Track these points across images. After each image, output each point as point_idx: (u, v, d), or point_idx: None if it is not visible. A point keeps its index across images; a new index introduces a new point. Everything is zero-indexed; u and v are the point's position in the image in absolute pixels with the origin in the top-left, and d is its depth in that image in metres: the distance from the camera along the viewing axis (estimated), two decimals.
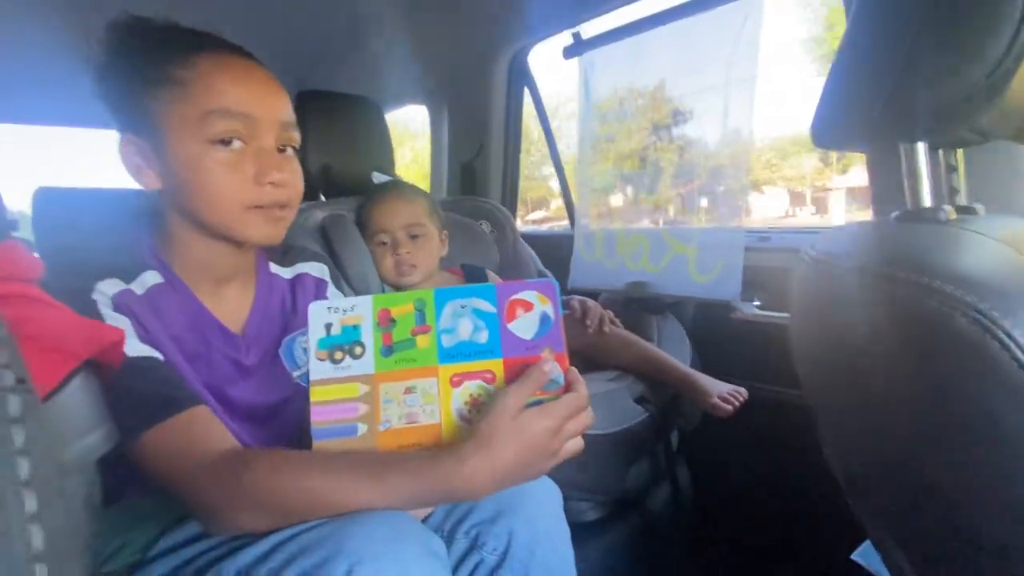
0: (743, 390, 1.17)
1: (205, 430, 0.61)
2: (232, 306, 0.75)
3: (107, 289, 0.64)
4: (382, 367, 0.58)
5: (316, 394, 0.58)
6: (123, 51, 0.67)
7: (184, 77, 0.65)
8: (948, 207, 0.51)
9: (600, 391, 1.19)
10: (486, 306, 0.60)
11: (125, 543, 0.63)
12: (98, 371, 0.47)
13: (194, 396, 0.63)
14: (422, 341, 0.59)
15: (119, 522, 0.64)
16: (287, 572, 0.50)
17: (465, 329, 0.59)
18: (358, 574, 0.48)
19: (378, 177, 1.46)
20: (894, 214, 0.55)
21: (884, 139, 0.55)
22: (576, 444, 0.59)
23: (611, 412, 1.15)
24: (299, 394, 0.77)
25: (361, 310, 0.60)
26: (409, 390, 0.58)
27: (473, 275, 1.38)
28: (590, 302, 1.38)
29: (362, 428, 0.57)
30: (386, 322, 0.59)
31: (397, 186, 1.34)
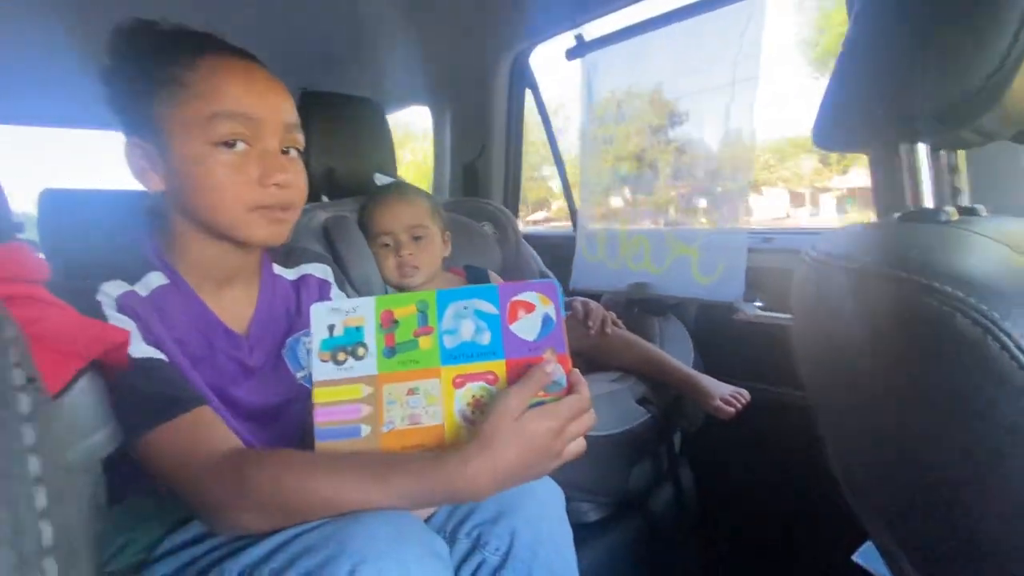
0: (745, 392, 1.17)
1: (209, 430, 0.61)
2: (236, 307, 0.76)
3: (112, 291, 0.64)
4: (385, 368, 0.59)
5: (319, 395, 0.58)
6: (128, 54, 0.68)
7: (188, 79, 0.65)
8: (950, 208, 0.51)
9: (602, 392, 1.19)
10: (488, 307, 0.60)
11: (129, 542, 0.64)
12: (103, 371, 0.48)
13: (198, 397, 0.64)
14: (425, 342, 0.59)
15: (123, 521, 0.64)
16: (290, 572, 0.50)
17: (467, 330, 0.60)
18: (361, 574, 0.48)
19: (380, 179, 1.46)
20: (896, 215, 0.55)
21: (885, 140, 0.55)
22: (579, 445, 0.59)
23: (613, 413, 1.15)
24: (302, 395, 0.78)
25: (364, 311, 0.60)
26: (412, 391, 0.58)
27: (475, 276, 1.38)
28: (592, 303, 1.38)
29: (365, 429, 0.57)
30: (389, 323, 0.60)
31: (399, 187, 1.34)
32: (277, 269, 0.84)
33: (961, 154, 0.60)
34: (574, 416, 0.57)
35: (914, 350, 0.43)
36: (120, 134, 0.69)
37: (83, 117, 1.95)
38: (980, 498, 0.43)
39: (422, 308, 0.60)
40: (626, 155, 1.61)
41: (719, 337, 1.39)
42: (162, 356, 0.64)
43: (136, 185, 0.70)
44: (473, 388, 0.59)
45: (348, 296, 0.91)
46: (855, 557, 0.86)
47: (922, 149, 0.53)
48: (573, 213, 1.84)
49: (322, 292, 0.87)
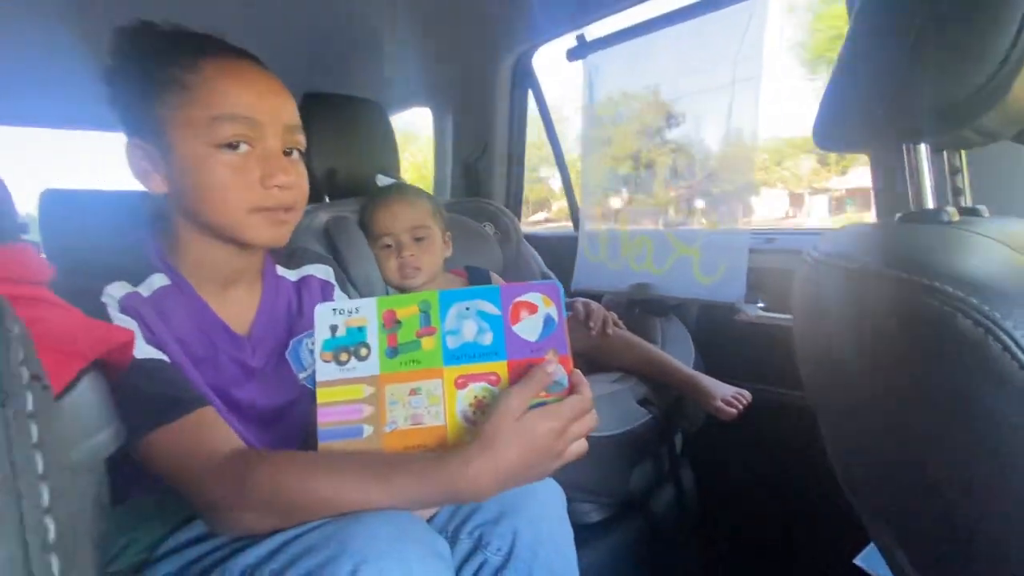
0: (747, 393, 1.17)
1: (211, 431, 0.61)
2: (238, 308, 0.76)
3: (115, 292, 0.65)
4: (387, 368, 0.59)
5: (322, 395, 0.58)
6: (130, 56, 0.68)
7: (190, 81, 0.65)
8: (951, 208, 0.51)
9: (603, 393, 1.19)
10: (490, 308, 0.60)
11: (131, 542, 0.64)
12: (106, 372, 0.48)
13: (200, 398, 0.64)
14: (427, 343, 0.59)
15: (125, 521, 0.64)
16: (291, 571, 0.50)
17: (470, 331, 0.60)
18: (362, 574, 0.49)
19: (382, 180, 1.46)
20: (897, 215, 0.55)
21: (887, 140, 0.55)
22: (580, 446, 0.59)
23: (614, 414, 1.15)
24: (305, 396, 0.78)
25: (366, 312, 0.60)
26: (414, 391, 0.58)
27: (477, 277, 1.38)
28: (593, 304, 1.38)
29: (368, 429, 0.57)
30: (391, 324, 0.60)
31: (400, 188, 1.35)
32: (280, 270, 0.84)
33: (963, 154, 0.60)
34: (576, 417, 0.57)
35: (915, 350, 0.43)
36: (122, 135, 0.69)
37: (85, 118, 1.95)
38: (981, 498, 0.43)
39: (424, 309, 0.60)
40: (627, 155, 1.61)
41: (720, 338, 1.39)
42: (164, 357, 0.64)
43: (137, 186, 0.70)
44: (475, 388, 0.59)
45: (350, 297, 0.92)
46: (857, 561, 0.86)
47: (923, 149, 0.53)
48: (575, 213, 1.84)
49: (324, 293, 0.87)
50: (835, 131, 0.59)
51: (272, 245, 0.72)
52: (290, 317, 0.81)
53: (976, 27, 0.46)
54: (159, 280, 0.69)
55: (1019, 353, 0.36)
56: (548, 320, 0.60)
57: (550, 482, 0.73)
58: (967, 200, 0.60)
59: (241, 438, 0.63)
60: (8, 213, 0.40)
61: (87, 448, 0.41)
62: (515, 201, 1.98)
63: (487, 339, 0.60)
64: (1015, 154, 0.83)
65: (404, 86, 2.01)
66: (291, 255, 0.87)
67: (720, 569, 1.34)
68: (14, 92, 1.66)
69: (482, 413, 0.58)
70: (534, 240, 1.70)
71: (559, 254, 1.69)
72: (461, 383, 0.59)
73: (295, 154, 0.72)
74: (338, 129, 1.47)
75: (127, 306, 0.65)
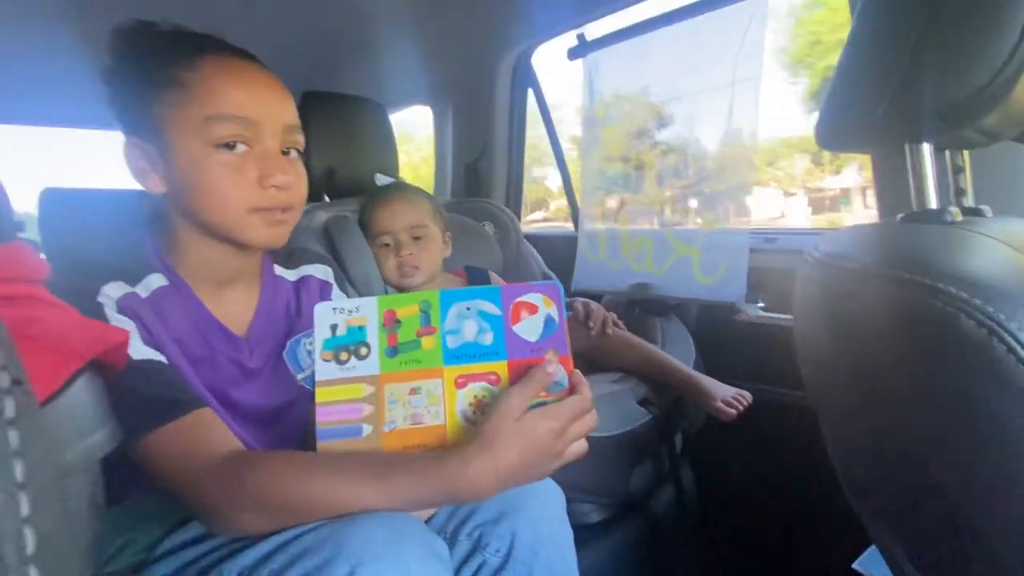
0: (747, 393, 1.16)
1: (208, 432, 0.61)
2: (236, 309, 0.75)
3: (112, 292, 0.64)
4: (387, 368, 0.58)
5: (321, 395, 0.58)
6: (128, 55, 0.68)
7: (188, 80, 0.65)
8: (954, 208, 0.51)
9: (603, 393, 1.19)
10: (491, 308, 0.60)
11: (128, 543, 0.64)
12: (102, 372, 0.48)
13: (198, 399, 0.63)
14: (427, 342, 0.59)
15: (122, 522, 0.64)
16: (289, 573, 0.50)
17: (470, 331, 0.59)
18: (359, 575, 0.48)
19: (381, 179, 1.46)
20: (899, 215, 0.55)
21: (889, 140, 0.55)
22: (580, 446, 0.59)
23: (614, 414, 1.15)
24: (303, 397, 0.77)
25: (366, 311, 0.60)
26: (414, 391, 0.58)
27: (476, 277, 1.38)
28: (593, 304, 1.38)
29: (367, 429, 0.57)
30: (391, 323, 0.59)
31: (400, 187, 1.34)
32: (278, 270, 0.83)
33: (965, 154, 0.60)
34: (576, 417, 0.57)
35: (918, 351, 0.43)
36: (121, 134, 0.69)
37: (84, 117, 1.95)
38: (983, 499, 0.43)
39: (425, 308, 0.60)
40: (627, 155, 1.61)
41: (721, 338, 1.38)
42: (162, 358, 0.64)
43: (136, 185, 0.70)
44: (475, 388, 0.58)
45: (348, 297, 0.91)
46: (856, 565, 0.85)
47: (926, 149, 0.53)
48: (574, 213, 1.83)
49: (323, 293, 0.87)
50: (837, 131, 0.59)
51: (270, 245, 0.71)
52: (288, 317, 0.81)
53: (978, 27, 0.46)
54: (157, 280, 0.69)
55: (1023, 354, 0.36)
56: (548, 320, 0.60)
57: (550, 482, 0.73)
58: (970, 200, 0.60)
59: (239, 439, 0.63)
60: (4, 211, 0.40)
61: (82, 449, 0.41)
62: (515, 200, 1.98)
63: (487, 339, 0.59)
64: (1018, 154, 0.83)
65: (404, 85, 2.01)
66: (290, 255, 0.87)
67: (720, 569, 1.34)
68: (13, 91, 1.66)
69: (482, 413, 0.57)
70: (534, 240, 1.70)
71: (559, 254, 1.69)
72: (461, 383, 0.58)
73: (293, 154, 0.72)
74: (337, 128, 1.46)
75: (124, 306, 0.64)
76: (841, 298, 0.51)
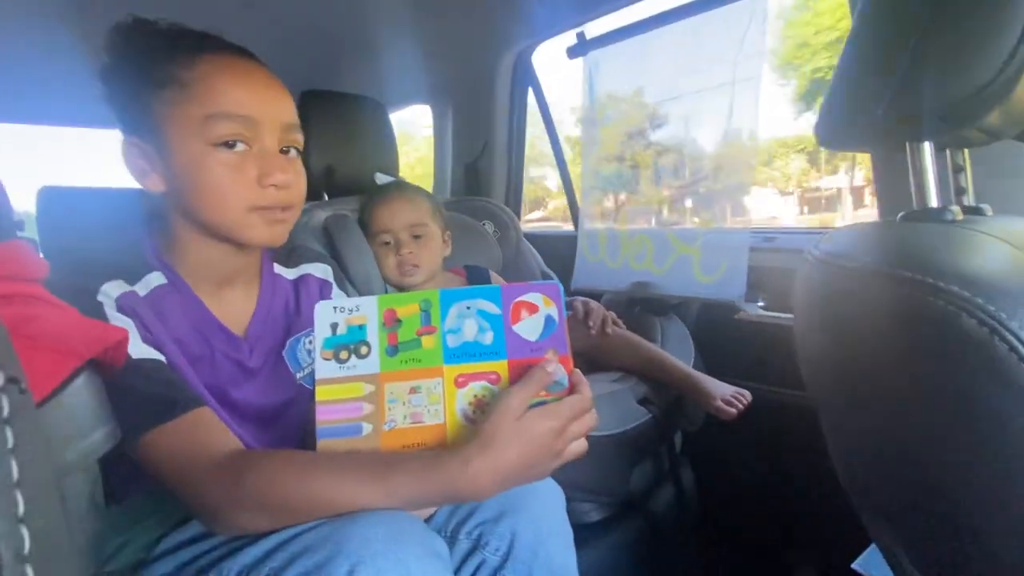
0: (747, 393, 1.16)
1: (207, 431, 0.61)
2: (235, 308, 0.75)
3: (111, 291, 0.64)
4: (387, 367, 0.58)
5: (321, 393, 0.58)
6: (126, 53, 0.67)
7: (186, 79, 0.65)
8: (955, 207, 0.51)
9: (603, 392, 1.18)
10: (491, 307, 0.60)
11: (128, 542, 0.64)
12: (101, 371, 0.47)
13: (197, 398, 0.63)
14: (427, 341, 0.59)
15: (122, 521, 0.64)
16: (288, 572, 0.50)
17: (470, 330, 0.59)
18: (359, 574, 0.48)
19: (381, 178, 1.46)
20: (900, 214, 0.55)
21: (890, 139, 0.55)
22: (580, 446, 0.59)
23: (614, 413, 1.15)
24: (302, 396, 0.77)
25: (367, 310, 0.60)
26: (414, 390, 0.58)
27: (476, 276, 1.38)
28: (592, 303, 1.38)
29: (367, 427, 0.57)
30: (392, 322, 0.59)
31: (400, 186, 1.34)
32: (278, 269, 0.83)
33: (966, 153, 0.60)
34: (575, 416, 0.57)
35: (918, 350, 0.43)
36: (119, 133, 0.69)
37: (82, 116, 1.95)
38: (983, 498, 0.43)
39: (425, 307, 0.60)
40: (626, 154, 1.61)
41: (721, 337, 1.38)
42: (161, 357, 0.63)
43: (135, 184, 0.69)
44: (475, 387, 0.58)
45: (348, 295, 0.91)
46: (855, 566, 0.85)
47: (927, 148, 0.53)
48: (574, 212, 1.83)
49: (322, 292, 0.87)
50: (838, 130, 0.59)
51: (269, 244, 0.71)
52: (287, 316, 0.81)
53: (979, 26, 0.46)
54: (156, 279, 0.69)
55: None
56: (548, 320, 0.60)
57: (549, 482, 0.73)
58: (970, 199, 0.60)
59: (238, 438, 0.63)
60: (3, 210, 0.40)
61: (81, 448, 0.41)
62: (515, 200, 1.98)
63: (487, 338, 0.59)
64: (1019, 153, 0.83)
65: (404, 83, 2.01)
66: (289, 253, 0.87)
67: (719, 568, 1.34)
68: (13, 90, 1.66)
69: (482, 412, 0.57)
70: (533, 239, 1.70)
71: (559, 253, 1.69)
72: (461, 382, 0.58)
73: (293, 152, 0.71)
74: (337, 127, 1.46)
75: (124, 305, 0.64)
76: (841, 297, 0.51)
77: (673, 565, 1.27)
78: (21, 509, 0.23)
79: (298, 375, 0.78)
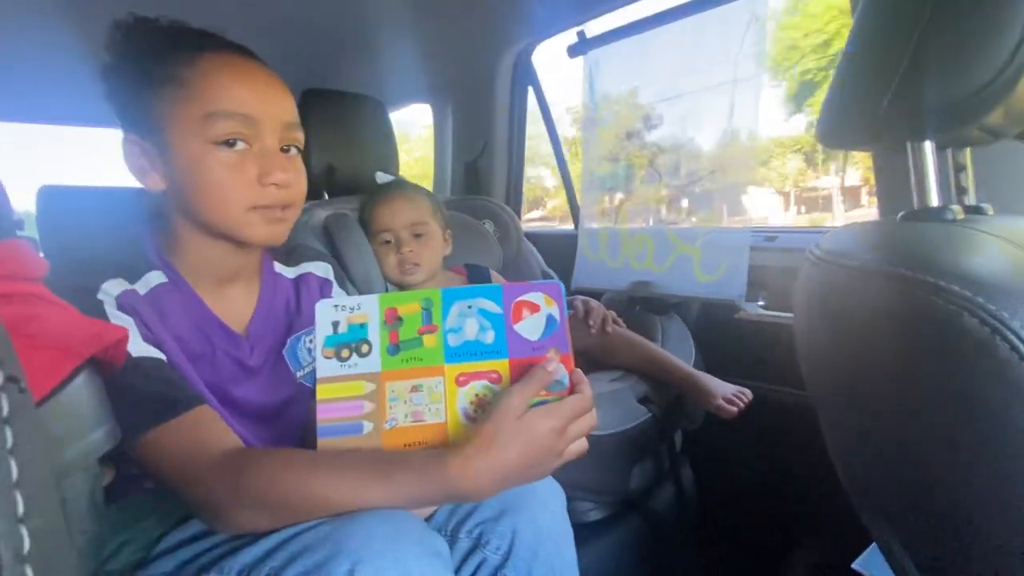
0: (748, 391, 1.16)
1: (208, 430, 0.61)
2: (236, 306, 0.75)
3: (112, 289, 0.64)
4: (388, 365, 0.58)
5: (322, 391, 0.58)
6: (127, 52, 0.67)
7: (187, 77, 0.64)
8: (956, 206, 0.51)
9: (603, 391, 1.19)
10: (492, 307, 0.60)
11: (128, 541, 0.63)
12: (101, 370, 0.47)
13: (197, 396, 0.63)
14: (428, 340, 0.59)
15: (122, 520, 0.64)
16: (289, 570, 0.50)
17: (471, 329, 0.59)
18: (359, 573, 0.48)
19: (381, 177, 1.46)
20: (900, 213, 0.55)
21: (891, 138, 0.55)
22: (581, 445, 0.59)
23: (614, 412, 1.15)
24: (303, 394, 0.77)
25: (368, 308, 0.60)
26: (415, 389, 0.58)
27: (476, 275, 1.38)
28: (593, 302, 1.38)
29: (367, 426, 0.57)
30: (393, 321, 0.59)
31: (400, 185, 1.34)
32: (278, 267, 0.83)
33: (968, 152, 0.60)
34: (576, 415, 0.57)
35: (919, 350, 0.43)
36: (120, 131, 0.69)
37: (83, 114, 1.95)
38: (984, 499, 0.43)
39: (426, 306, 0.60)
40: (626, 153, 1.61)
41: (721, 336, 1.38)
42: (161, 356, 0.63)
43: (135, 182, 0.69)
44: (476, 386, 0.58)
45: (349, 294, 0.91)
46: (856, 565, 0.85)
47: (928, 147, 0.53)
48: (575, 211, 1.83)
49: (323, 291, 0.87)
50: (839, 129, 0.59)
51: (270, 243, 0.71)
52: (288, 315, 0.81)
53: (980, 25, 0.46)
54: (156, 277, 0.69)
55: None
56: (550, 319, 0.60)
57: (550, 481, 0.73)
58: (971, 198, 0.60)
59: (239, 436, 0.63)
60: (3, 209, 0.40)
61: (81, 447, 0.41)
62: (515, 199, 1.98)
63: (489, 337, 0.59)
64: (1020, 152, 0.83)
65: (404, 82, 2.01)
66: (290, 252, 0.87)
67: (719, 567, 1.34)
68: (13, 89, 1.66)
69: (483, 411, 0.57)
70: (534, 238, 1.70)
71: (559, 252, 1.69)
72: (462, 381, 0.58)
73: (293, 151, 0.71)
74: (337, 125, 1.46)
75: (124, 304, 0.64)
76: (842, 296, 0.51)
77: (673, 564, 1.27)
78: (21, 509, 0.23)
79: (298, 374, 0.78)
